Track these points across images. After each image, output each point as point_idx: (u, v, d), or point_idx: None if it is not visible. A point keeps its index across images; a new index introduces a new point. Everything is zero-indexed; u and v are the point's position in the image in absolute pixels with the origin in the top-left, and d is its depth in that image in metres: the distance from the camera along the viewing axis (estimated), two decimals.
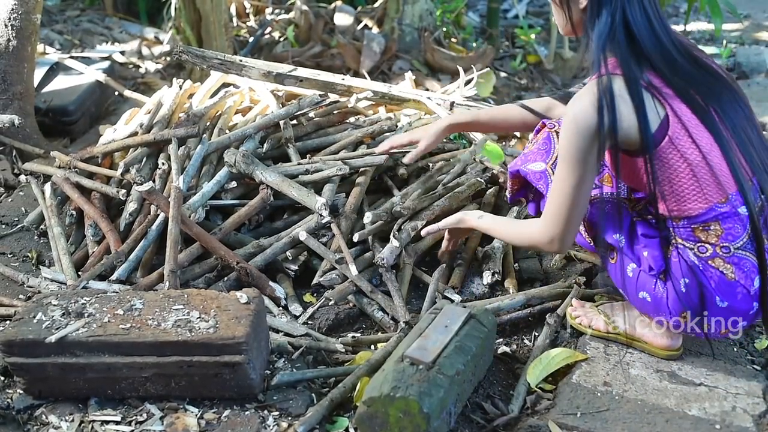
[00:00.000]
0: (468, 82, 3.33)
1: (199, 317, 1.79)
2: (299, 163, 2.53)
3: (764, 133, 1.89)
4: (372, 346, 2.07)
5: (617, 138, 1.67)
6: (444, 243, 2.31)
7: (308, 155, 2.78)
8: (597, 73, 1.69)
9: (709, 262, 1.76)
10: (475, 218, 2.13)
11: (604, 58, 1.69)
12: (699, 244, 1.76)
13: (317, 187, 2.51)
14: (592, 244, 1.99)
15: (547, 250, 1.95)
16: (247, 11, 5.11)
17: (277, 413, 1.77)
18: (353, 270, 2.18)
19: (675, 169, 1.71)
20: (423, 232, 2.28)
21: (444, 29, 4.84)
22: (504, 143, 3.20)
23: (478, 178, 2.61)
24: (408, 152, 2.49)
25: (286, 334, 2.07)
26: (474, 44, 4.95)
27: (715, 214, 1.72)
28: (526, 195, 2.13)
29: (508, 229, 2.04)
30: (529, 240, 1.93)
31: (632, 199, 1.87)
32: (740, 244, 1.74)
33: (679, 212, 1.75)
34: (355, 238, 2.29)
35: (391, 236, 2.28)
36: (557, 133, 2.00)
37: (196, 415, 1.74)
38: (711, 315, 1.77)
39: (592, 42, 1.72)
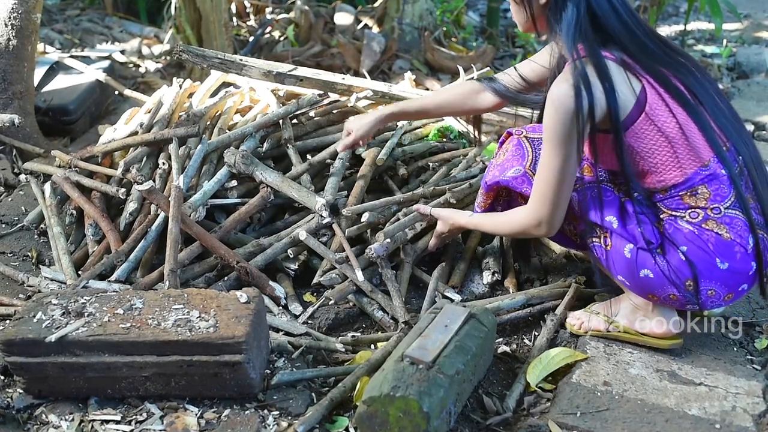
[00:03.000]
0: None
1: (199, 317, 1.79)
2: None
3: (763, 132, 1.91)
4: (372, 346, 2.07)
5: (595, 119, 1.73)
6: (432, 241, 2.34)
7: (308, 154, 2.79)
8: (570, 59, 1.76)
9: (703, 225, 1.79)
10: (465, 217, 2.19)
11: (575, 46, 1.76)
12: (690, 210, 1.80)
13: (322, 182, 2.54)
14: (578, 242, 2.01)
15: (535, 234, 1.98)
16: (248, 11, 5.10)
17: (277, 413, 1.77)
18: (359, 275, 2.18)
19: (653, 143, 1.77)
20: (414, 207, 2.33)
21: (444, 29, 4.83)
22: None
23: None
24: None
25: (286, 334, 2.07)
26: (474, 44, 4.95)
27: (700, 177, 1.78)
28: (495, 209, 2.19)
29: (496, 221, 2.10)
30: (518, 226, 1.97)
31: (616, 182, 1.91)
32: (729, 204, 1.79)
33: (663, 183, 1.80)
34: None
35: (382, 232, 2.28)
36: (527, 138, 2.06)
37: (196, 414, 1.75)
38: (713, 280, 1.80)
39: (560, 34, 1.79)
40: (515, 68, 2.20)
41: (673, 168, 1.78)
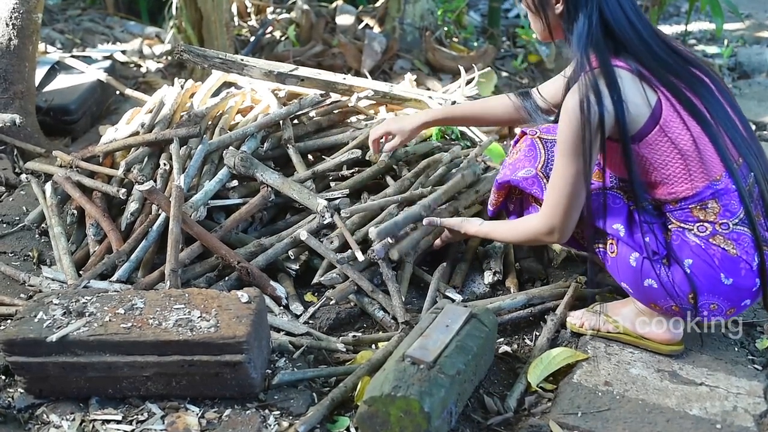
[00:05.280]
0: (469, 82, 3.33)
1: (200, 316, 1.79)
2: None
3: (764, 132, 1.91)
4: (373, 346, 2.07)
5: (605, 129, 1.73)
6: (437, 242, 2.36)
7: (309, 155, 2.79)
8: (582, 70, 1.75)
9: (710, 240, 1.79)
10: (475, 226, 2.19)
11: (586, 57, 1.75)
12: (698, 224, 1.79)
13: (323, 183, 2.56)
14: (585, 244, 2.01)
15: (547, 242, 2.02)
16: (249, 10, 5.10)
17: (278, 412, 1.77)
18: (360, 256, 2.18)
19: (666, 155, 1.76)
20: (425, 221, 2.31)
21: (445, 29, 4.83)
22: (505, 142, 3.20)
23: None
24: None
25: (287, 334, 2.07)
26: (475, 44, 4.95)
27: (711, 192, 1.77)
28: (507, 207, 2.19)
29: (508, 229, 2.10)
30: (530, 234, 1.97)
31: (626, 190, 1.90)
32: (738, 220, 1.78)
33: (674, 195, 1.80)
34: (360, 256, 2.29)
35: (375, 230, 2.28)
36: (540, 139, 2.07)
37: (197, 414, 1.75)
38: (717, 294, 1.79)
39: (573, 44, 1.79)
40: (538, 89, 2.20)
41: (684, 181, 1.77)
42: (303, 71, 3.08)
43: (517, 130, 2.24)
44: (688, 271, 1.79)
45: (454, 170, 2.71)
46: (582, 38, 1.76)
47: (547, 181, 1.96)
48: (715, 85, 1.85)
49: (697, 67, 1.85)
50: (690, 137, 1.75)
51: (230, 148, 2.57)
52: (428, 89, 3.58)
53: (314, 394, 1.85)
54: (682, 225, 1.81)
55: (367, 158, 2.69)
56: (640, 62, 1.77)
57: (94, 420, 1.73)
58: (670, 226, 1.84)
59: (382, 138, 2.55)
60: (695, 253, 1.79)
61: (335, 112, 2.98)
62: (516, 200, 2.17)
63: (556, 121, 2.08)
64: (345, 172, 2.60)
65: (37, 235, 2.59)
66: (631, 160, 1.77)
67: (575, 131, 1.73)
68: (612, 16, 1.75)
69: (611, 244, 1.88)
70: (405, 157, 2.75)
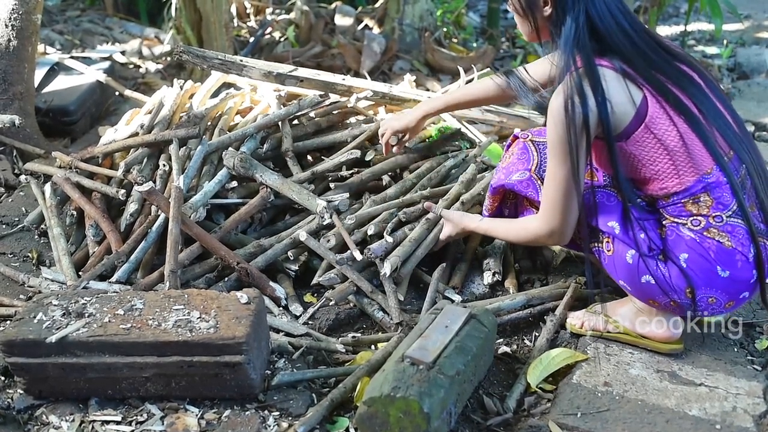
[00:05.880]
0: (468, 82, 3.33)
1: (200, 317, 1.79)
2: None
3: (763, 132, 1.91)
4: (372, 346, 2.07)
5: (589, 130, 1.74)
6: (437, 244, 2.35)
7: (308, 156, 2.79)
8: (567, 71, 1.77)
9: (705, 233, 1.79)
10: (475, 221, 2.20)
11: (572, 58, 1.77)
12: (692, 218, 1.80)
13: (323, 184, 2.58)
14: (583, 245, 2.02)
15: (548, 243, 2.04)
16: (248, 11, 5.11)
17: (278, 413, 1.77)
18: (358, 256, 2.19)
19: (654, 151, 1.77)
20: (425, 205, 2.34)
21: (444, 29, 4.84)
22: (505, 142, 3.20)
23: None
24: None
25: (287, 334, 2.07)
26: (474, 44, 4.96)
27: (703, 185, 1.78)
28: (502, 211, 2.20)
29: (508, 228, 2.10)
30: (530, 236, 1.99)
31: (618, 187, 1.90)
32: (731, 212, 1.79)
33: (665, 191, 1.80)
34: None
35: (385, 233, 2.28)
36: (532, 142, 2.09)
37: (197, 415, 1.75)
38: (714, 288, 1.80)
39: (560, 45, 1.80)
40: (525, 68, 2.18)
41: (673, 177, 1.78)
42: (302, 72, 3.08)
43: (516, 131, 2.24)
44: (684, 265, 1.79)
45: (454, 170, 2.72)
46: (569, 40, 1.77)
47: (542, 182, 1.97)
48: (705, 81, 1.86)
49: (686, 63, 1.86)
50: (677, 133, 1.76)
51: (230, 148, 2.57)
52: (427, 90, 3.58)
53: (314, 394, 1.85)
54: (676, 220, 1.82)
55: (366, 159, 2.69)
56: (625, 61, 1.78)
57: (94, 421, 1.73)
58: (664, 222, 1.84)
59: (391, 138, 2.64)
60: (690, 247, 1.79)
61: (334, 112, 2.99)
62: (511, 204, 2.18)
63: (542, 114, 2.09)
64: (344, 172, 2.60)
65: (36, 236, 2.58)
66: (615, 158, 1.78)
67: (561, 132, 1.75)
68: (599, 17, 1.77)
69: (607, 242, 1.89)
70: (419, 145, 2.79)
